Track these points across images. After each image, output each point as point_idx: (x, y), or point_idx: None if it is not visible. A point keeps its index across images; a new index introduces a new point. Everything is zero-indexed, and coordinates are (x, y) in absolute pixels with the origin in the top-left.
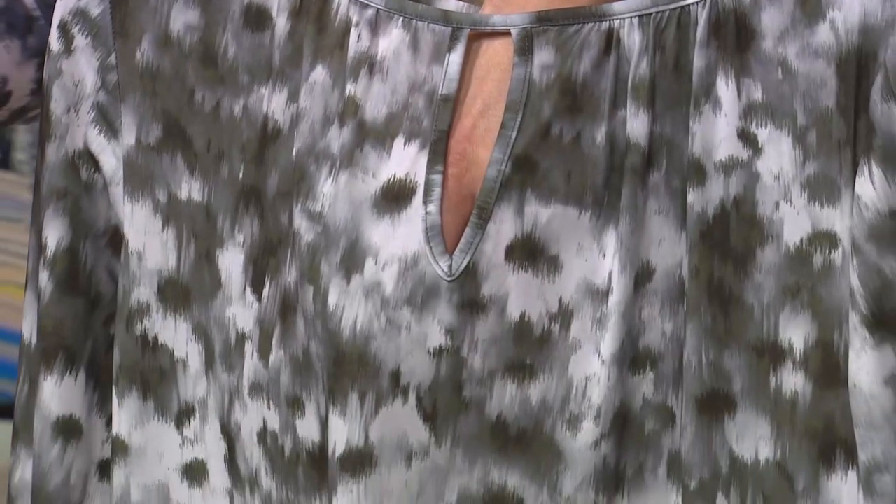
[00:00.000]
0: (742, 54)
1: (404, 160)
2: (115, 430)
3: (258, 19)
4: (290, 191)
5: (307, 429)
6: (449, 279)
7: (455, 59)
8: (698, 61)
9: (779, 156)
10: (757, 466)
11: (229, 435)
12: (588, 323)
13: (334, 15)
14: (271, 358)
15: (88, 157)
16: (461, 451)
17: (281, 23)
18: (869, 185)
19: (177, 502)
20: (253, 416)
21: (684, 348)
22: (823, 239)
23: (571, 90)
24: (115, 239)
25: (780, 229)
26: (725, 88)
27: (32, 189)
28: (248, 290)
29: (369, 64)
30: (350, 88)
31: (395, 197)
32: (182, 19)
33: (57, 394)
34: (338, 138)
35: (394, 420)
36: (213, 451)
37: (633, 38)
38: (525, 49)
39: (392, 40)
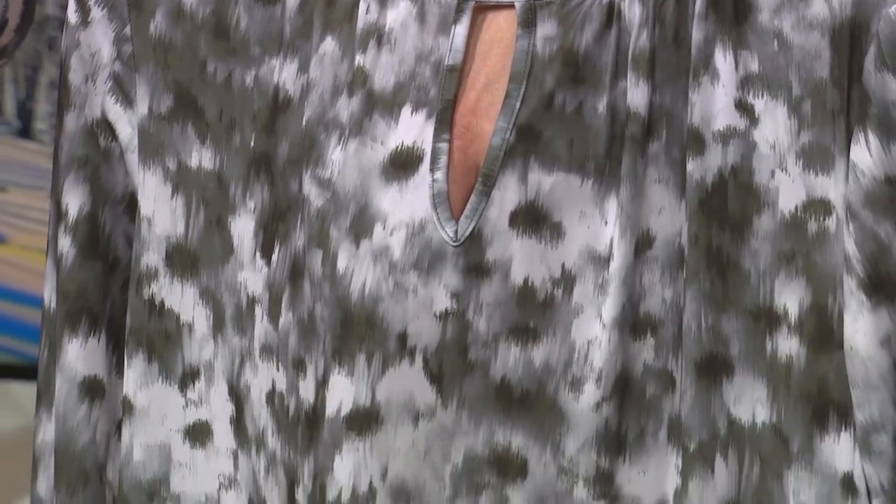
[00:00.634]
0: (739, 27)
1: (412, 129)
2: (124, 390)
3: None
4: (299, 158)
5: (306, 390)
6: (455, 244)
7: (460, 30)
8: (697, 34)
9: (775, 125)
10: (754, 428)
11: (238, 396)
12: (590, 288)
13: None
14: (281, 320)
15: (106, 126)
16: (466, 413)
17: None
18: (865, 153)
19: (178, 462)
20: (263, 377)
21: (683, 313)
22: (818, 206)
23: (574, 62)
24: (132, 205)
25: (775, 197)
26: (723, 60)
27: (52, 158)
28: (258, 255)
29: (377, 35)
30: (359, 59)
31: (402, 164)
32: None
33: (82, 355)
34: (347, 107)
35: (400, 381)
36: (218, 412)
37: (633, 12)
38: (528, 22)
39: (399, 12)
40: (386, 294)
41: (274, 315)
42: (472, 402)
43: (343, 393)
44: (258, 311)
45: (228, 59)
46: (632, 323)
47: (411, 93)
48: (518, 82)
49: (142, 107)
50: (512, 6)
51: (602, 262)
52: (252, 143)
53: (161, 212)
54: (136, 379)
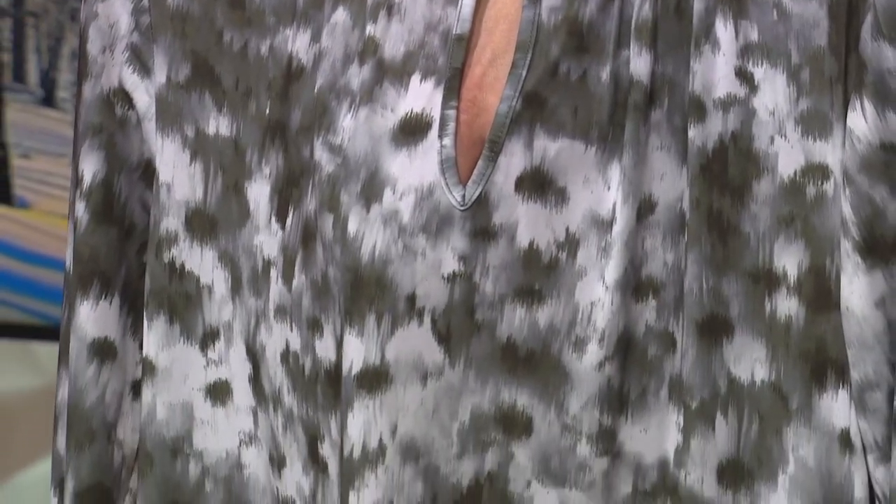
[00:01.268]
0: None
1: (421, 96)
2: (144, 351)
3: None
4: (311, 125)
5: (325, 349)
6: (462, 208)
7: (468, 1)
8: (698, 4)
9: (774, 93)
10: (753, 387)
11: (254, 356)
12: (593, 251)
13: None
14: (294, 282)
15: (123, 95)
16: (473, 372)
17: None
18: (861, 120)
19: (200, 419)
20: (277, 337)
21: (685, 276)
22: (816, 171)
23: (578, 31)
24: (148, 172)
25: (774, 162)
26: (724, 30)
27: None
28: (274, 219)
29: (387, 6)
30: (370, 29)
31: (412, 131)
32: None
33: (92, 317)
34: (358, 76)
35: (409, 341)
36: (237, 371)
37: None
38: None
39: None
40: (395, 256)
41: (287, 277)
42: (478, 361)
43: (354, 352)
44: (273, 273)
45: (244, 29)
46: (634, 285)
47: (420, 61)
48: (524, 52)
49: (160, 76)
50: None
51: (605, 226)
52: (267, 111)
53: (180, 178)
54: (157, 340)
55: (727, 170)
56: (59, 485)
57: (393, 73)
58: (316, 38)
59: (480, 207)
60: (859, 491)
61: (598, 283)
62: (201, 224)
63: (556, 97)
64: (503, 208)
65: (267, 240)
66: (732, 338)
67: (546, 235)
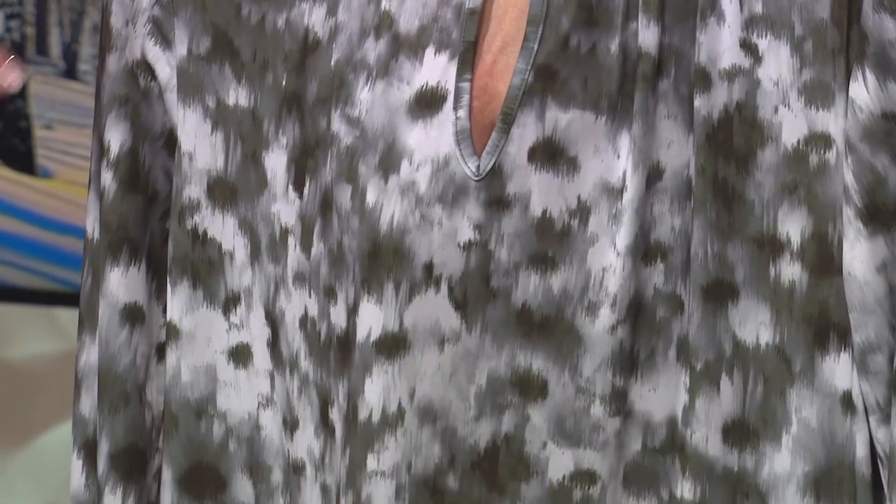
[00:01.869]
0: None
1: (435, 69)
2: (169, 315)
3: None
4: (328, 97)
5: (337, 316)
6: (476, 179)
7: None
8: None
9: (777, 64)
10: (758, 349)
11: (273, 321)
12: (604, 218)
13: None
14: (313, 250)
15: (145, 67)
16: (490, 337)
17: None
18: (863, 90)
19: (223, 382)
20: (296, 303)
21: (691, 241)
22: (819, 140)
23: (587, 5)
24: (170, 141)
25: (778, 131)
26: (729, 2)
27: (95, 97)
28: (291, 187)
29: None
30: (385, 4)
31: (427, 103)
32: None
33: (123, 283)
34: (374, 49)
35: (427, 307)
36: (256, 335)
37: None
38: None
39: None
40: (413, 226)
41: (306, 245)
42: (494, 327)
43: (372, 319)
44: (291, 240)
45: (261, 3)
46: (643, 250)
47: (434, 35)
48: (535, 25)
49: (181, 48)
50: None
51: (615, 193)
52: (284, 83)
53: (202, 147)
54: (180, 305)
55: (732, 138)
56: (83, 446)
57: (408, 47)
58: (332, 12)
59: (494, 177)
60: (861, 451)
61: (610, 249)
62: (222, 192)
63: (566, 69)
64: (517, 178)
65: (284, 208)
66: (738, 302)
67: (558, 204)
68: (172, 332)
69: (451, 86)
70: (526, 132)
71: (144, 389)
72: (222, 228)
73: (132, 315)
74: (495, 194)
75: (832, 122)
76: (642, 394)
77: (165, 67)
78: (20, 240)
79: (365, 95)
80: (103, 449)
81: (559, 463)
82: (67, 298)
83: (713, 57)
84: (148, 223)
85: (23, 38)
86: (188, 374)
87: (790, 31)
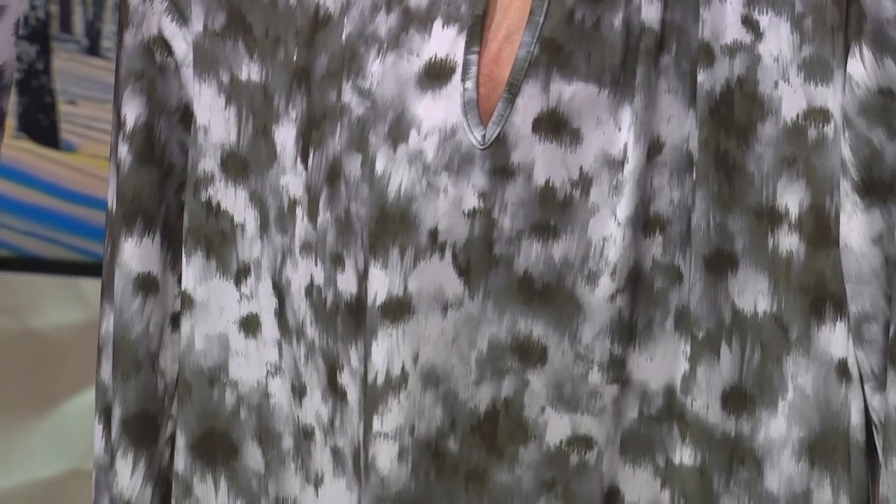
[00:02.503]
0: None
1: (444, 42)
2: (183, 285)
3: None
4: (339, 71)
5: (346, 282)
6: (482, 148)
7: None
8: None
9: (778, 40)
10: (756, 318)
11: (280, 290)
12: (605, 189)
13: None
14: (319, 219)
15: (162, 43)
16: (492, 303)
17: None
18: (860, 66)
19: (234, 351)
20: (302, 272)
21: (693, 213)
22: (817, 114)
23: None
24: (186, 115)
25: (778, 106)
26: None
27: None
28: (299, 160)
29: None
30: None
31: (436, 75)
32: None
33: (137, 253)
34: (385, 23)
35: (431, 273)
36: (265, 305)
37: None
38: None
39: None
40: (419, 193)
41: (313, 215)
42: (496, 293)
43: (378, 284)
44: (298, 211)
45: None
46: (643, 222)
47: (443, 8)
48: (541, 0)
49: (197, 24)
50: None
51: (616, 165)
52: (294, 58)
53: (216, 121)
54: (195, 275)
55: (733, 112)
56: (103, 412)
57: (418, 20)
58: None
59: (499, 147)
60: (855, 418)
61: (611, 220)
62: (235, 165)
63: (571, 43)
64: (521, 148)
65: (293, 180)
66: (737, 271)
67: (561, 174)
68: (186, 301)
69: (459, 58)
70: (531, 103)
71: (158, 357)
72: (234, 201)
73: (145, 285)
74: (500, 163)
75: (830, 97)
76: (640, 363)
77: (182, 43)
78: (45, 212)
79: (376, 67)
80: (116, 414)
81: (557, 428)
82: (90, 269)
83: (716, 33)
84: (163, 195)
85: (47, 15)
86: (201, 342)
87: (790, 7)
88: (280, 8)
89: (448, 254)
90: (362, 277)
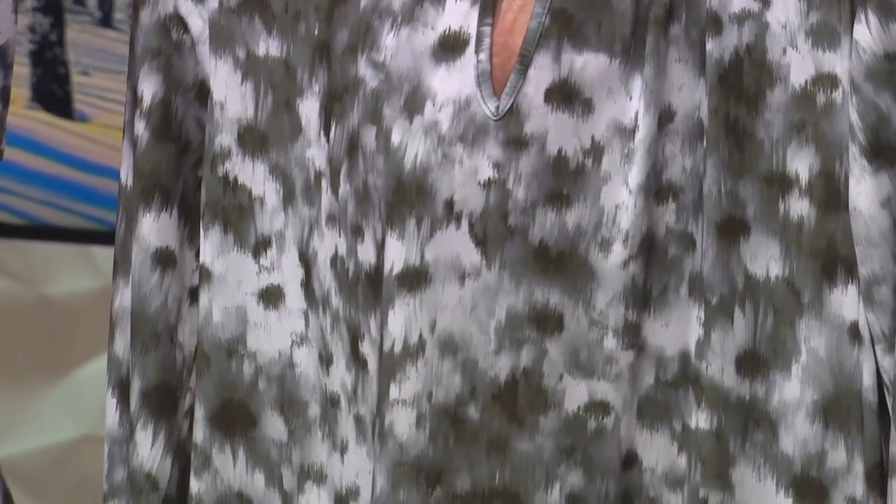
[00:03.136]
0: None
1: (457, 14)
2: (201, 259)
3: None
4: (356, 44)
5: (365, 252)
6: (495, 119)
7: None
8: None
9: (785, 8)
10: (768, 283)
11: (307, 261)
12: (617, 157)
13: None
14: (340, 191)
15: (178, 20)
16: (508, 273)
17: None
18: (866, 31)
19: (253, 322)
20: (328, 243)
21: (704, 180)
22: (825, 80)
23: None
24: (202, 92)
25: (787, 72)
26: None
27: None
28: (322, 132)
29: None
30: None
31: (450, 47)
32: None
33: (155, 228)
34: None
35: (447, 243)
36: (289, 276)
37: None
38: None
39: None
40: (435, 164)
41: (335, 186)
42: (512, 263)
43: (395, 254)
44: (324, 183)
45: None
46: (655, 189)
47: None
48: None
49: (212, 1)
50: None
51: (627, 134)
52: (316, 32)
53: (232, 97)
54: (212, 249)
55: (742, 80)
56: (117, 385)
57: None
58: None
59: (513, 118)
60: (867, 379)
61: (623, 188)
62: (252, 140)
63: (581, 13)
64: (533, 118)
65: (318, 153)
66: (749, 237)
67: (573, 143)
68: (204, 274)
69: (472, 30)
70: (542, 74)
71: (176, 330)
72: (252, 175)
73: (163, 259)
74: (513, 134)
75: (838, 62)
76: (655, 329)
77: (198, 21)
78: (58, 180)
79: (390, 41)
80: (135, 387)
81: (574, 394)
82: (103, 237)
83: (724, 2)
84: (180, 171)
85: None
86: (219, 315)
87: None
88: None
89: (465, 224)
90: (380, 248)
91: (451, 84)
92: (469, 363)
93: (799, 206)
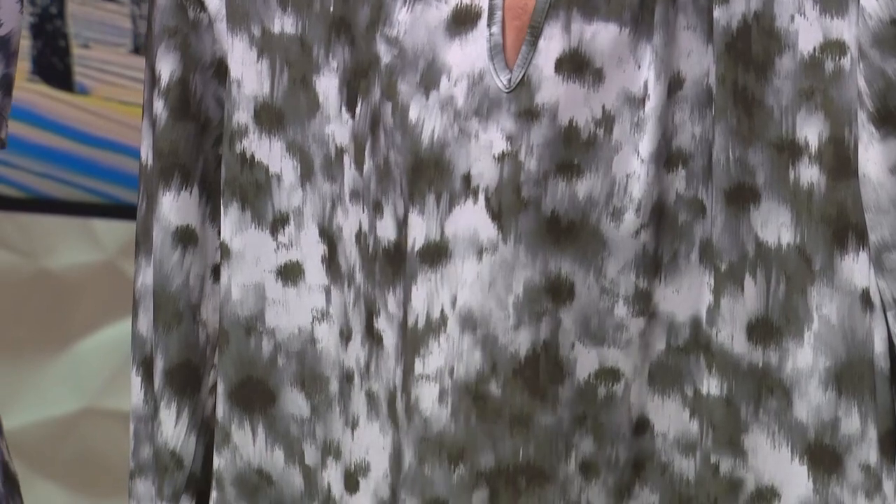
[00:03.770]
0: None
1: None
2: (220, 236)
3: None
4: (375, 20)
5: (384, 228)
6: (507, 91)
7: None
8: None
9: None
10: (779, 250)
11: (330, 237)
12: (627, 126)
13: None
14: (364, 167)
15: None
16: (523, 247)
17: None
18: None
19: (271, 299)
20: (353, 219)
21: (713, 147)
22: (833, 47)
23: None
24: (221, 70)
25: (795, 39)
26: None
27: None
28: (344, 108)
29: None
30: None
31: (463, 21)
32: None
33: (175, 207)
34: None
35: (466, 217)
36: (309, 253)
37: None
38: None
39: None
40: (452, 139)
41: (359, 163)
42: (527, 236)
43: (416, 230)
44: (346, 159)
45: None
46: (665, 157)
47: None
48: None
49: None
50: None
51: (637, 102)
52: (331, 8)
53: (249, 74)
54: (231, 226)
55: (751, 47)
56: (141, 364)
57: None
58: None
59: (524, 89)
60: (879, 346)
61: (634, 156)
62: (269, 117)
63: None
64: (544, 89)
65: (338, 129)
66: (759, 204)
67: (584, 113)
68: (224, 251)
69: (484, 3)
70: (552, 44)
71: (199, 308)
72: (269, 152)
73: (185, 237)
74: (525, 105)
75: (846, 29)
76: (666, 295)
77: None
78: (58, 153)
79: (403, 16)
80: (158, 365)
81: (585, 362)
82: (103, 210)
83: None
84: (200, 149)
85: None
86: (238, 292)
87: None
88: None
89: (481, 198)
90: (401, 224)
91: (465, 58)
92: (489, 339)
93: (809, 173)
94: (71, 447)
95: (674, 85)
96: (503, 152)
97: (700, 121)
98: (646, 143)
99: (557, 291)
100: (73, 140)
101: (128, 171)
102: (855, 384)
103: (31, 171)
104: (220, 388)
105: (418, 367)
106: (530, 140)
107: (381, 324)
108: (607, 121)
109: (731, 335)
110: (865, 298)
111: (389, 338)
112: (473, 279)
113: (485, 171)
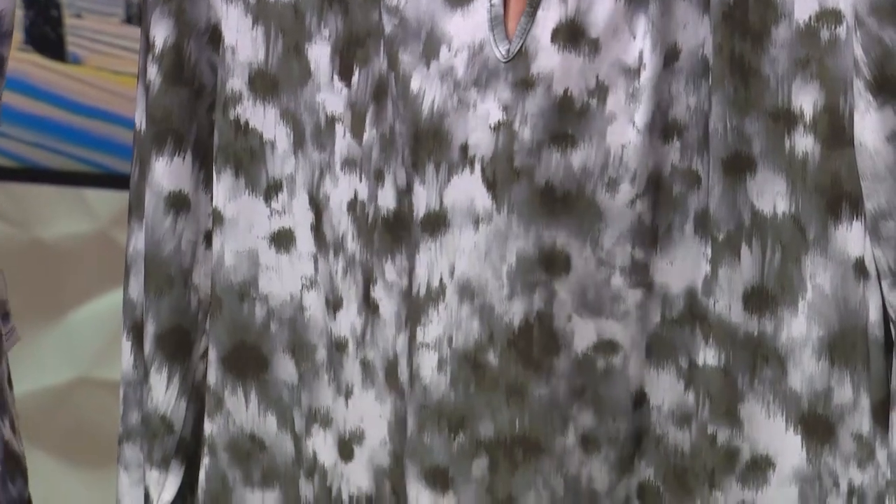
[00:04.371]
0: None
1: None
2: (213, 202)
3: None
4: None
5: (385, 198)
6: (505, 61)
7: None
8: None
9: None
10: (775, 219)
11: (317, 205)
12: (622, 97)
13: None
14: (364, 136)
15: None
16: (516, 217)
17: None
18: None
19: (265, 266)
20: (344, 187)
21: (710, 117)
22: (829, 16)
23: None
24: (215, 36)
25: (791, 8)
26: None
27: None
28: (336, 77)
29: None
30: None
31: None
32: None
33: (167, 172)
34: None
35: (462, 187)
36: (300, 220)
37: None
38: None
39: None
40: (451, 109)
41: (357, 131)
42: (520, 207)
43: (419, 199)
44: (339, 128)
45: None
46: (661, 128)
47: None
48: None
49: None
50: None
51: (632, 73)
52: None
53: (243, 41)
54: (224, 192)
55: (747, 16)
56: (132, 329)
57: None
58: None
59: (521, 59)
60: (874, 315)
61: (629, 127)
62: (263, 84)
63: None
64: (540, 59)
65: (329, 97)
66: (755, 173)
67: (579, 84)
68: (217, 218)
69: None
70: (550, 14)
71: (191, 274)
72: (263, 119)
73: (177, 203)
74: (521, 75)
75: None
76: (661, 266)
77: None
78: (51, 123)
79: None
80: (149, 330)
81: (583, 334)
82: (96, 179)
83: None
84: (194, 115)
85: None
86: (231, 258)
87: None
88: None
89: (477, 168)
90: (403, 193)
91: (466, 29)
92: (486, 308)
93: (804, 143)
94: (65, 417)
95: (670, 56)
96: (499, 122)
97: (695, 91)
98: (641, 114)
99: (552, 262)
100: (65, 110)
101: (121, 141)
102: (847, 354)
103: (23, 141)
104: (213, 354)
105: (419, 335)
106: (525, 110)
107: (379, 292)
108: (601, 91)
109: (728, 305)
110: (859, 267)
111: (387, 306)
112: (471, 248)
113: (481, 141)
